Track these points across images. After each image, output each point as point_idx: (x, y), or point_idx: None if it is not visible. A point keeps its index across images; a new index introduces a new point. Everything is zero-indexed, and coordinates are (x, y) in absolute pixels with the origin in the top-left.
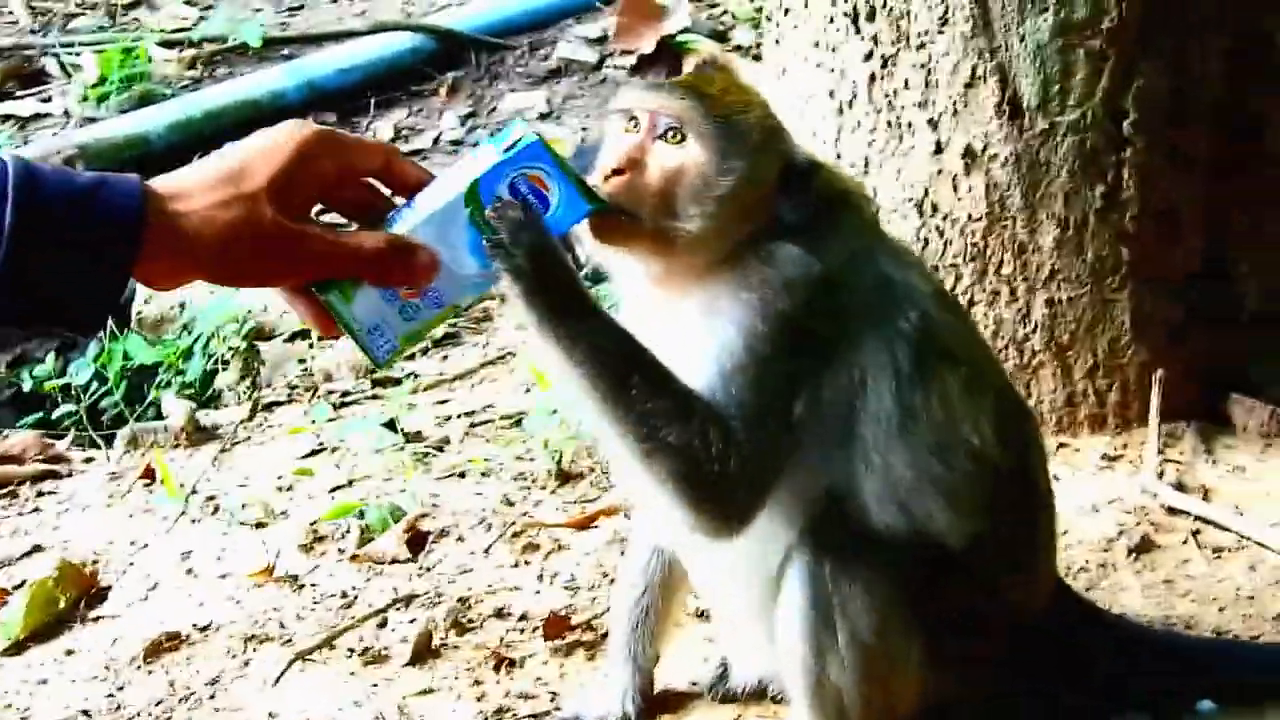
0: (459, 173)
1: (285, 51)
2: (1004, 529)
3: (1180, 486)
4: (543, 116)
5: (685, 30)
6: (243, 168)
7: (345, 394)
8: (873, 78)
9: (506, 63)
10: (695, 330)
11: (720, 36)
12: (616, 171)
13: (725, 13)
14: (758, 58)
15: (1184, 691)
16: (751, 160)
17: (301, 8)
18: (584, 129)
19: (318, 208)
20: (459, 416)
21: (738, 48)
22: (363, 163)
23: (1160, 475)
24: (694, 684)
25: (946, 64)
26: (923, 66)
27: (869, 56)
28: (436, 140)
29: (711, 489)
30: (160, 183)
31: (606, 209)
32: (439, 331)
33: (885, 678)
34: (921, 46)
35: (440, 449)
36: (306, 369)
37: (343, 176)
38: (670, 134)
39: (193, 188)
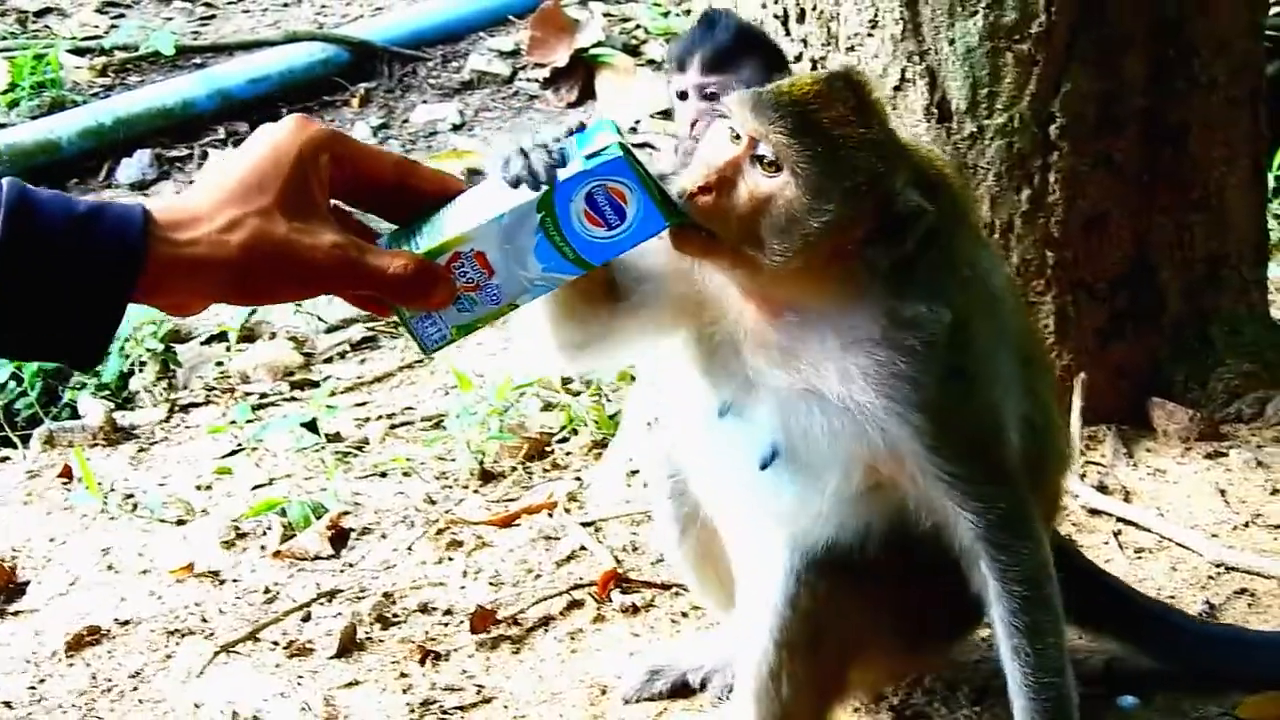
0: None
1: (197, 60)
2: None
3: (1102, 488)
4: (455, 128)
5: (598, 44)
6: (251, 181)
7: (263, 395)
8: None
9: (419, 74)
10: (867, 413)
11: (633, 51)
12: (704, 189)
13: (638, 27)
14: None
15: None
16: (847, 204)
17: (214, 17)
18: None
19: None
20: (378, 418)
21: (650, 62)
22: (373, 172)
23: (1082, 477)
24: (618, 677)
25: (876, 66)
26: None
27: (799, 59)
28: None
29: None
30: (165, 209)
31: (686, 223)
32: (358, 334)
33: (840, 677)
34: (851, 49)
35: (360, 449)
36: (223, 371)
37: (353, 182)
38: (766, 160)
39: (199, 211)
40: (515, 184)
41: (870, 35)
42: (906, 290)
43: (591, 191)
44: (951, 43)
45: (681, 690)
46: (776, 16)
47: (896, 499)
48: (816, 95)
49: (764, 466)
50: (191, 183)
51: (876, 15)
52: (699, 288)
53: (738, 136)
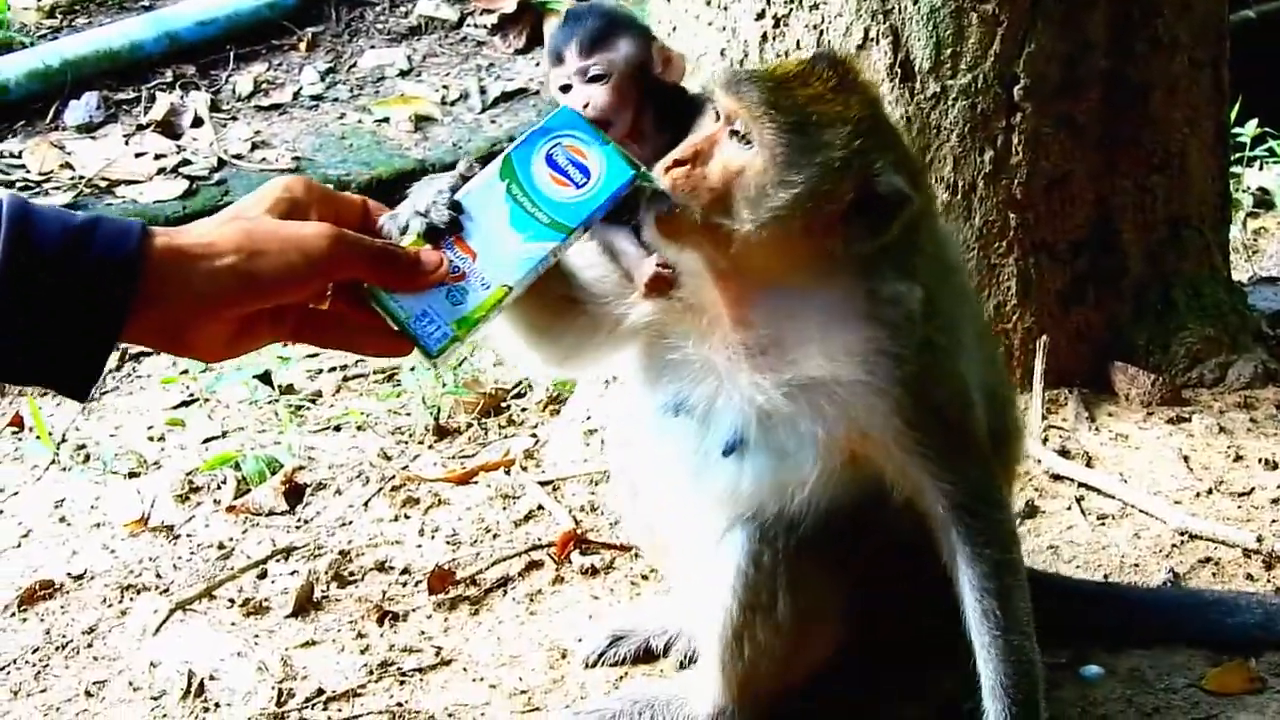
0: (496, 161)
1: (145, 2)
2: None
3: (1064, 453)
4: (403, 74)
5: None
6: (237, 210)
7: None
8: (765, 37)
9: (366, 19)
10: (847, 388)
11: None
12: (679, 163)
13: None
14: None
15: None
16: (817, 179)
17: None
18: (444, 86)
19: None
20: (330, 370)
21: None
22: (345, 211)
23: (1044, 441)
24: (579, 640)
25: (839, 25)
26: (815, 27)
27: (761, 15)
28: (296, 95)
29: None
30: (161, 229)
31: (650, 179)
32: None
33: (804, 641)
34: (815, 7)
35: (313, 402)
36: None
37: (333, 218)
38: (740, 135)
39: (192, 226)
40: (431, 235)
41: None
42: (880, 270)
43: (550, 152)
44: (916, 1)
45: (644, 655)
46: None
47: (867, 473)
48: (797, 74)
49: (727, 454)
50: (140, 126)
51: None
52: (671, 299)
53: (718, 115)
